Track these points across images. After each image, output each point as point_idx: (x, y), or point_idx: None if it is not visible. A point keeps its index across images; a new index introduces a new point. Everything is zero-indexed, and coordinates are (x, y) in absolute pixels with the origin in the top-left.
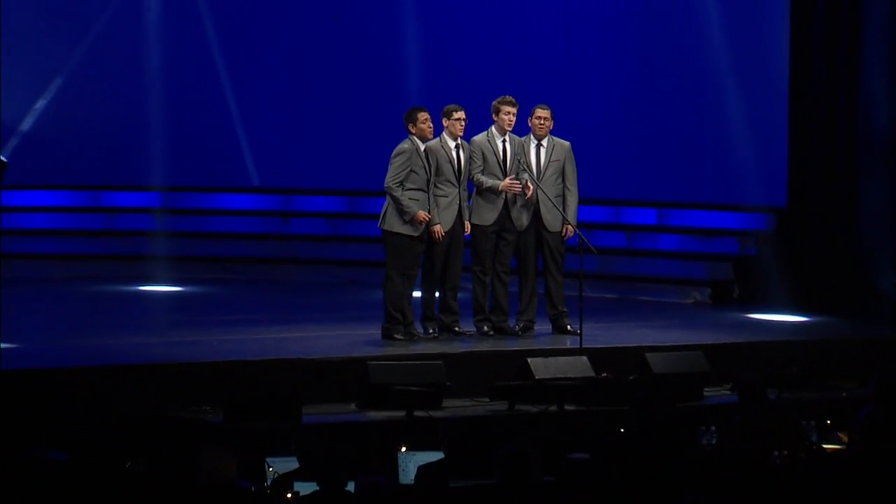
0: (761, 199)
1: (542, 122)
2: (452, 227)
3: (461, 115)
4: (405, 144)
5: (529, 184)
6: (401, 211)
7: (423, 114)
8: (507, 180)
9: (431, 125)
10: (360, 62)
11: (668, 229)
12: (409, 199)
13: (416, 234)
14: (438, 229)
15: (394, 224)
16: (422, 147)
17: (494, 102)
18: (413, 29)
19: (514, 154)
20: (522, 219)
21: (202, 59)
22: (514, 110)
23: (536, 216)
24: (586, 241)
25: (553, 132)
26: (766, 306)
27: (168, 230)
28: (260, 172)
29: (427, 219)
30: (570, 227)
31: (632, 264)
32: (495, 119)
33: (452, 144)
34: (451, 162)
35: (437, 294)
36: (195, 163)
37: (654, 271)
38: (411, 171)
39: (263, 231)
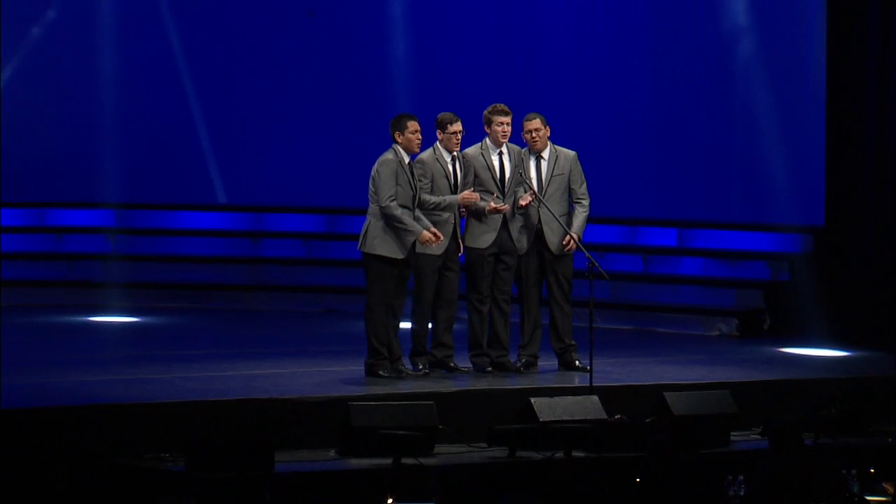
0: (795, 217)
1: (533, 134)
2: (446, 250)
3: (457, 127)
4: (389, 155)
5: (528, 197)
6: (403, 232)
7: (412, 122)
8: (492, 204)
9: (421, 137)
10: (341, 64)
11: (690, 252)
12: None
13: (401, 258)
14: (430, 236)
15: (375, 246)
16: (406, 159)
17: (485, 112)
18: (402, 27)
19: (513, 167)
20: (523, 241)
21: (162, 61)
22: (507, 119)
23: (539, 238)
24: (597, 265)
25: (559, 143)
26: (802, 339)
27: (123, 253)
28: (227, 188)
29: (436, 238)
30: (572, 239)
31: (649, 291)
32: (488, 131)
33: (448, 157)
34: (447, 177)
35: (428, 326)
36: (153, 177)
37: (675, 299)
38: (396, 185)
39: (231, 254)
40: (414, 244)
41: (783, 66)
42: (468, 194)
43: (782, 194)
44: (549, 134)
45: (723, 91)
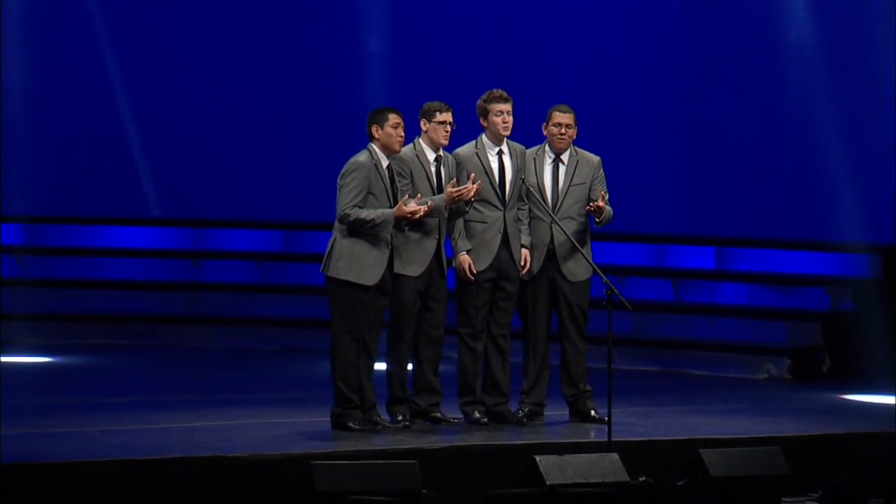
0: (860, 234)
1: (562, 130)
2: (428, 272)
3: (447, 117)
4: (361, 157)
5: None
6: (371, 228)
7: (394, 116)
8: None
9: (402, 135)
10: (305, 50)
11: (732, 276)
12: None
13: (371, 284)
14: (405, 210)
15: (340, 269)
16: (384, 162)
17: (479, 102)
18: (378, 5)
19: (516, 171)
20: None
21: (82, 48)
22: (507, 108)
23: (551, 260)
24: (617, 292)
25: (577, 144)
26: (868, 383)
27: (33, 277)
28: (162, 198)
29: (418, 210)
30: (601, 202)
31: (681, 325)
32: (484, 125)
33: (432, 157)
34: (428, 179)
35: (408, 367)
36: (70, 184)
37: (712, 334)
38: (369, 193)
39: (166, 278)
40: (391, 265)
41: (843, 60)
42: (400, 206)
43: (843, 206)
44: (575, 136)
45: (770, 85)
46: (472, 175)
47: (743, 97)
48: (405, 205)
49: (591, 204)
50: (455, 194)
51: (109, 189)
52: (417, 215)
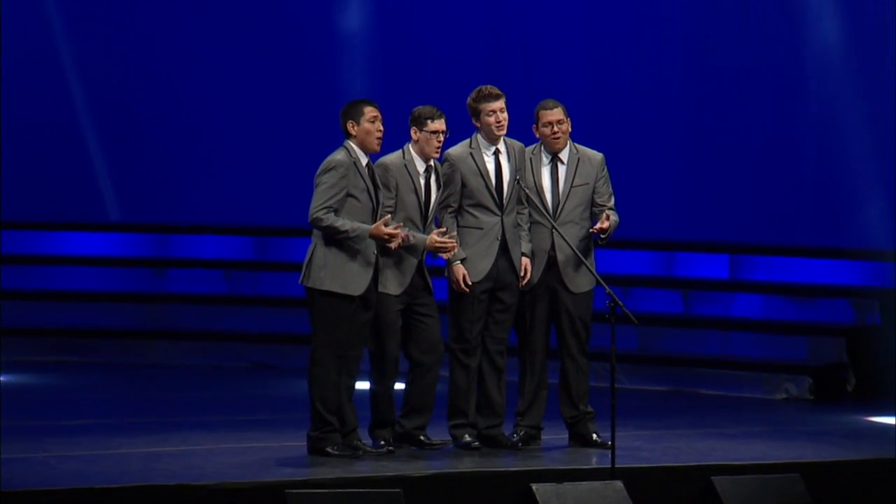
0: (887, 240)
1: (554, 128)
2: (412, 286)
3: (440, 125)
4: (338, 155)
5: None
6: (344, 239)
7: (370, 109)
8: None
9: (381, 129)
10: (276, 41)
11: (747, 286)
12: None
13: (357, 294)
14: (384, 230)
15: (322, 279)
16: (364, 160)
17: (469, 101)
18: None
19: (514, 172)
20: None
21: (37, 42)
22: (499, 105)
23: (551, 268)
24: (621, 304)
25: (575, 139)
26: None
27: None
28: (122, 201)
29: (396, 235)
30: (606, 222)
31: (691, 340)
32: (477, 125)
33: (422, 167)
34: (416, 191)
35: (393, 386)
36: (23, 188)
37: (726, 350)
38: (348, 194)
39: (126, 289)
40: (375, 277)
41: (865, 54)
42: (379, 226)
43: (868, 210)
44: (569, 130)
45: (788, 80)
46: (454, 234)
47: (758, 92)
48: (385, 225)
49: (593, 227)
50: (438, 245)
51: (65, 192)
52: (394, 242)
